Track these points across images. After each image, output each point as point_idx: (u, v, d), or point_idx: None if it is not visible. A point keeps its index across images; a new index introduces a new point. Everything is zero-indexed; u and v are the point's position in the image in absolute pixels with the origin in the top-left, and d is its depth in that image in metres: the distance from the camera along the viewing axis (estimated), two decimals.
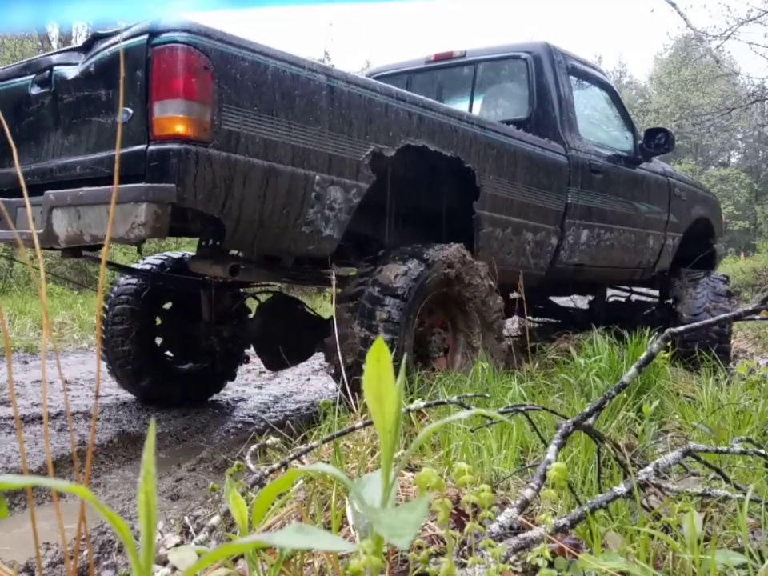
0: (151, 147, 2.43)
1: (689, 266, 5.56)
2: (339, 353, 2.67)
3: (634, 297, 6.14)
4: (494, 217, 3.73)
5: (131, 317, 3.95)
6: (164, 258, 4.17)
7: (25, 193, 1.03)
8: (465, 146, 3.50)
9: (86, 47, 2.79)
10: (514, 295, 4.81)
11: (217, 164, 2.49)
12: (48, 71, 2.90)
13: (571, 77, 4.59)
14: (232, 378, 4.61)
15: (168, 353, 4.29)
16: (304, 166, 2.77)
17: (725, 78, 18.33)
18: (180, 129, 2.40)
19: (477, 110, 4.75)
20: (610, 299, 6.05)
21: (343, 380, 2.46)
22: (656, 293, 6.08)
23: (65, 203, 2.58)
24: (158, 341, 4.24)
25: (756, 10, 12.17)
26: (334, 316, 3.11)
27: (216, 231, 2.71)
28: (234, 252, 3.44)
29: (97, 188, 2.54)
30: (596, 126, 4.99)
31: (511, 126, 4.13)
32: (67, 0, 0.65)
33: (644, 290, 6.14)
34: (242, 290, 4.35)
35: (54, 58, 2.94)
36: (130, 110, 2.51)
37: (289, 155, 2.71)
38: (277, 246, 2.88)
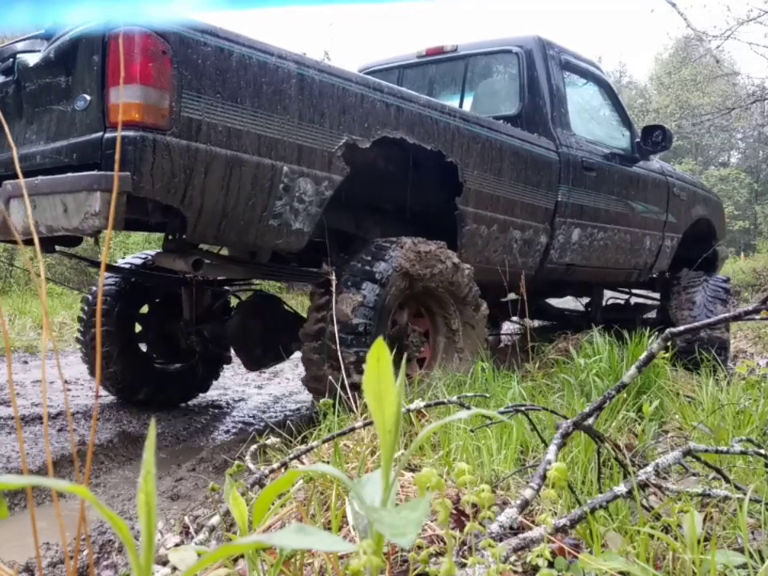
0: (107, 134, 2.35)
1: (690, 268, 5.41)
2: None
3: (634, 299, 6.02)
4: (479, 213, 3.64)
5: (107, 338, 3.88)
6: (128, 263, 4.05)
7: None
8: (447, 140, 3.40)
9: (49, 34, 2.72)
10: (511, 296, 4.76)
11: (176, 152, 2.39)
12: (11, 59, 2.82)
13: (566, 72, 4.49)
14: (216, 377, 4.51)
15: (153, 354, 4.21)
16: (271, 156, 2.66)
17: (725, 78, 18.33)
18: (136, 115, 2.30)
19: (468, 106, 4.64)
20: (609, 302, 5.95)
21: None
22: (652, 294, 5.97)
23: (20, 193, 2.48)
24: (140, 344, 4.16)
25: (756, 10, 12.16)
26: (303, 352, 3.02)
27: (178, 223, 2.61)
28: (219, 248, 3.36)
29: (51, 177, 2.44)
30: (591, 123, 4.88)
31: (501, 121, 4.02)
32: (67, 1, 0.66)
33: (644, 292, 6.01)
34: (229, 288, 4.26)
35: (19, 46, 2.87)
36: (88, 97, 2.42)
37: (254, 145, 2.61)
38: (242, 239, 2.76)
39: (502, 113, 4.34)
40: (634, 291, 5.99)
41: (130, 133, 2.30)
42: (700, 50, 16.96)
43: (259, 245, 2.89)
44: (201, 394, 4.51)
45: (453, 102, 4.52)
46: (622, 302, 6.04)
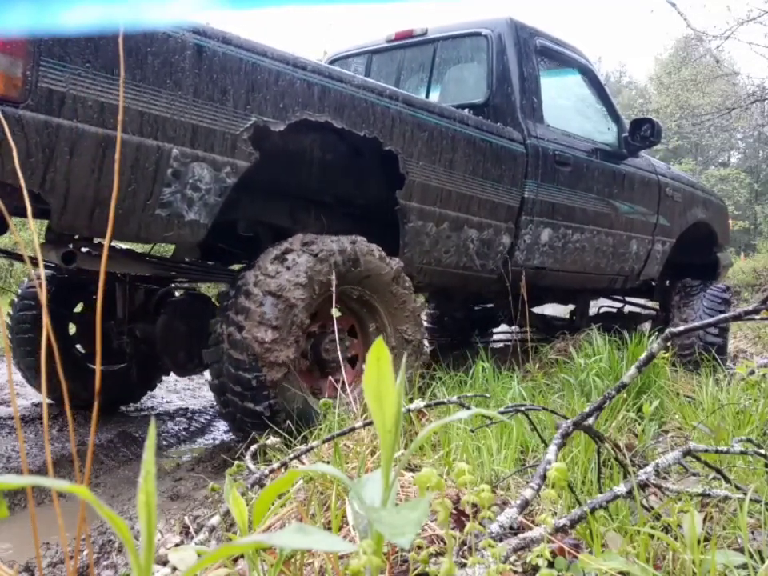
0: None
1: (689, 276, 5.17)
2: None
3: (628, 308, 5.77)
4: (425, 209, 3.31)
5: (37, 344, 3.55)
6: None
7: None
8: (385, 126, 3.08)
9: None
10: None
11: (31, 128, 2.11)
12: None
13: (543, 58, 4.20)
14: (166, 373, 4.16)
15: (88, 355, 3.96)
16: (157, 136, 2.38)
17: (725, 78, 18.34)
18: None
19: (435, 93, 4.31)
20: (601, 310, 5.69)
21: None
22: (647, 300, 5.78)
23: None
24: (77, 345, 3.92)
25: (756, 10, 12.20)
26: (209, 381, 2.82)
27: (43, 210, 2.32)
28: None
29: None
30: (570, 114, 4.52)
31: (467, 109, 3.73)
32: (66, 3, 0.66)
33: (642, 301, 5.76)
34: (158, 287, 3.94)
35: None
36: None
37: (135, 123, 2.32)
38: (123, 229, 2.45)
39: (468, 101, 4.03)
40: (629, 299, 5.71)
41: None
42: (700, 50, 16.99)
43: (144, 237, 2.60)
44: (200, 394, 4.50)
45: (421, 89, 4.28)
46: (615, 310, 5.77)
